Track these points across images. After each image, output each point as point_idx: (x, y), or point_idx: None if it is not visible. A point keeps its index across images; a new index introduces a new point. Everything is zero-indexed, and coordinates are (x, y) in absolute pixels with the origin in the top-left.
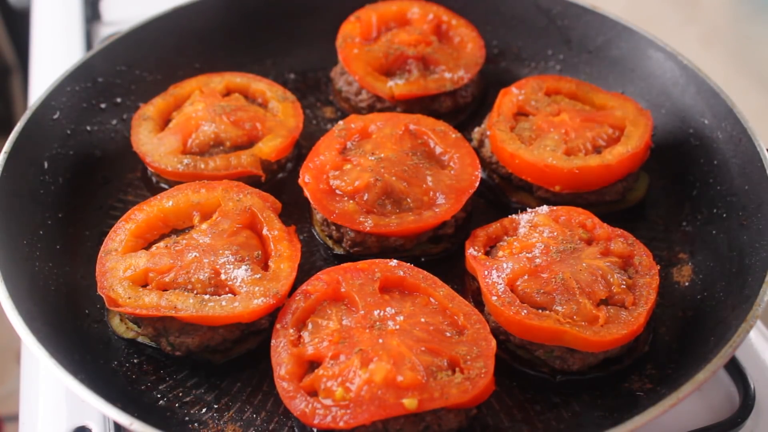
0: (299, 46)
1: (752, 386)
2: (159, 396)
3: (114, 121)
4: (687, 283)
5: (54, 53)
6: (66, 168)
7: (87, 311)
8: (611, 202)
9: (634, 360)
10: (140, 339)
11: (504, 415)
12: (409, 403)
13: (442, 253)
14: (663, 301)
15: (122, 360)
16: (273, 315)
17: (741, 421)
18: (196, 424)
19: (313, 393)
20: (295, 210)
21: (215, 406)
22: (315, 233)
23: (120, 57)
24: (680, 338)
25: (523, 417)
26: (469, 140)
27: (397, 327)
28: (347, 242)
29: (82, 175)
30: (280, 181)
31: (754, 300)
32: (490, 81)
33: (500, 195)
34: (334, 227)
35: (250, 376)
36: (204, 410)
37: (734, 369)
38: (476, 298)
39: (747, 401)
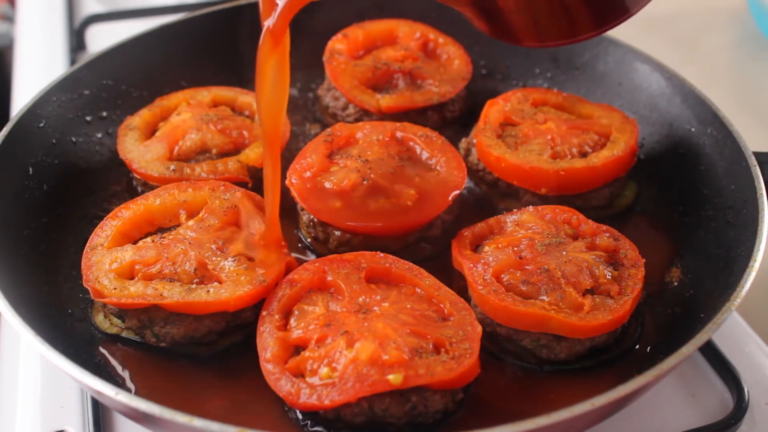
0: None
1: (746, 390)
2: None
3: (99, 135)
4: (676, 283)
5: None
6: (51, 176)
7: (70, 311)
8: (598, 207)
9: (621, 351)
10: (124, 334)
11: (490, 403)
12: (395, 378)
13: (428, 256)
14: (652, 301)
15: (106, 356)
16: (258, 308)
17: (734, 423)
18: None
19: (299, 375)
20: (280, 219)
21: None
22: (301, 236)
23: (107, 71)
24: (669, 332)
25: (509, 406)
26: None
27: (383, 312)
28: (333, 243)
29: (67, 184)
30: None
31: (737, 282)
32: (478, 98)
33: (487, 203)
34: (320, 228)
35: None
36: None
37: (728, 374)
38: (463, 296)
39: (741, 404)
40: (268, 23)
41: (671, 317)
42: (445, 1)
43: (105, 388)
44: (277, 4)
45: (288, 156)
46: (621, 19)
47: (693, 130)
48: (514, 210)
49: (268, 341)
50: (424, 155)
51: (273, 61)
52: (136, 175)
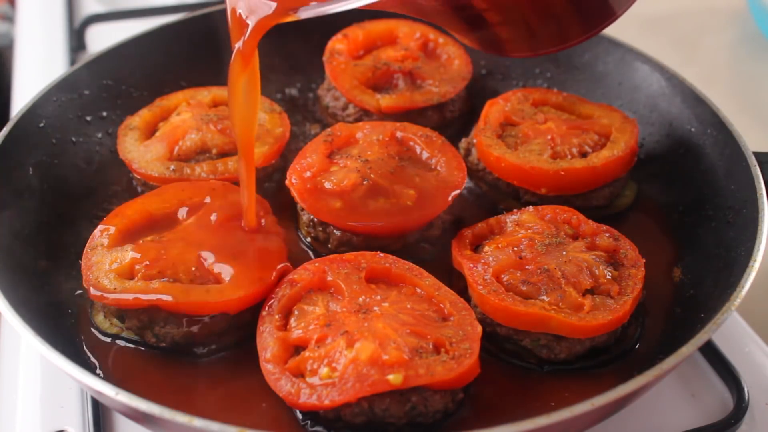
0: (286, 66)
1: (746, 390)
2: None
3: (99, 135)
4: (676, 283)
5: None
6: (51, 176)
7: (70, 311)
8: (598, 207)
9: (621, 351)
10: (124, 334)
11: (490, 404)
12: (395, 378)
13: (428, 256)
14: (652, 301)
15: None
16: (258, 308)
17: (734, 423)
18: None
19: (299, 375)
20: (280, 219)
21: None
22: (301, 236)
23: (106, 71)
24: (669, 332)
25: (509, 406)
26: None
27: (383, 312)
28: (333, 242)
29: (67, 184)
30: (266, 191)
31: (737, 282)
32: (478, 98)
33: (487, 203)
34: (320, 228)
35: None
36: None
37: (728, 374)
38: (463, 296)
39: (741, 404)
40: (237, 45)
41: (671, 317)
42: (436, 21)
43: (105, 388)
44: (246, 26)
45: (289, 157)
46: (607, 23)
47: (693, 130)
48: (514, 210)
49: (268, 341)
50: (424, 155)
51: (244, 78)
52: (136, 175)
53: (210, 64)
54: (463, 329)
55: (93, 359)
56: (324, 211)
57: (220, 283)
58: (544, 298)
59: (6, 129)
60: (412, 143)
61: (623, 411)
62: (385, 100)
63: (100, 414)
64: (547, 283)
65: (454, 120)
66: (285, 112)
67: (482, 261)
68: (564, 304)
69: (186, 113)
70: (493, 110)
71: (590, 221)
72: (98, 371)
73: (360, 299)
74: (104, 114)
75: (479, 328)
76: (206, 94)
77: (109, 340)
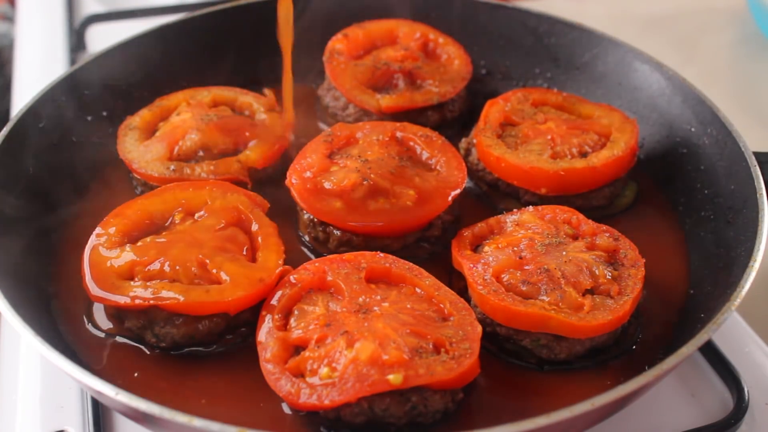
0: None
1: (746, 390)
2: None
3: (99, 135)
4: (676, 283)
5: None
6: (51, 176)
7: (70, 310)
8: (598, 207)
9: (621, 351)
10: (124, 334)
11: (490, 404)
12: (395, 378)
13: (428, 256)
14: (651, 301)
15: (105, 356)
16: (258, 308)
17: (734, 423)
18: None
19: (299, 375)
20: (280, 219)
21: None
22: (301, 236)
23: (107, 71)
24: (669, 332)
25: (509, 406)
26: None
27: (383, 312)
28: (333, 242)
29: (67, 184)
30: (266, 191)
31: (737, 282)
32: (478, 98)
33: (487, 202)
34: (320, 228)
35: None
36: None
37: (728, 374)
38: (463, 296)
39: (741, 404)
40: None
41: (671, 317)
42: None
43: (105, 388)
44: None
45: (288, 156)
46: None
47: (693, 130)
48: (514, 210)
49: (268, 341)
50: (424, 155)
51: None
52: (136, 175)
53: (210, 64)
54: (463, 329)
55: (93, 359)
56: (324, 211)
57: (220, 284)
58: (544, 298)
59: (6, 129)
60: (412, 143)
61: (623, 411)
62: (385, 100)
63: (100, 414)
64: (547, 283)
65: (454, 120)
66: None
67: (482, 261)
68: (564, 304)
69: (186, 113)
70: (493, 110)
71: (590, 221)
72: (98, 371)
73: (360, 299)
74: (104, 114)
75: (479, 328)
76: (206, 94)
77: (109, 340)
